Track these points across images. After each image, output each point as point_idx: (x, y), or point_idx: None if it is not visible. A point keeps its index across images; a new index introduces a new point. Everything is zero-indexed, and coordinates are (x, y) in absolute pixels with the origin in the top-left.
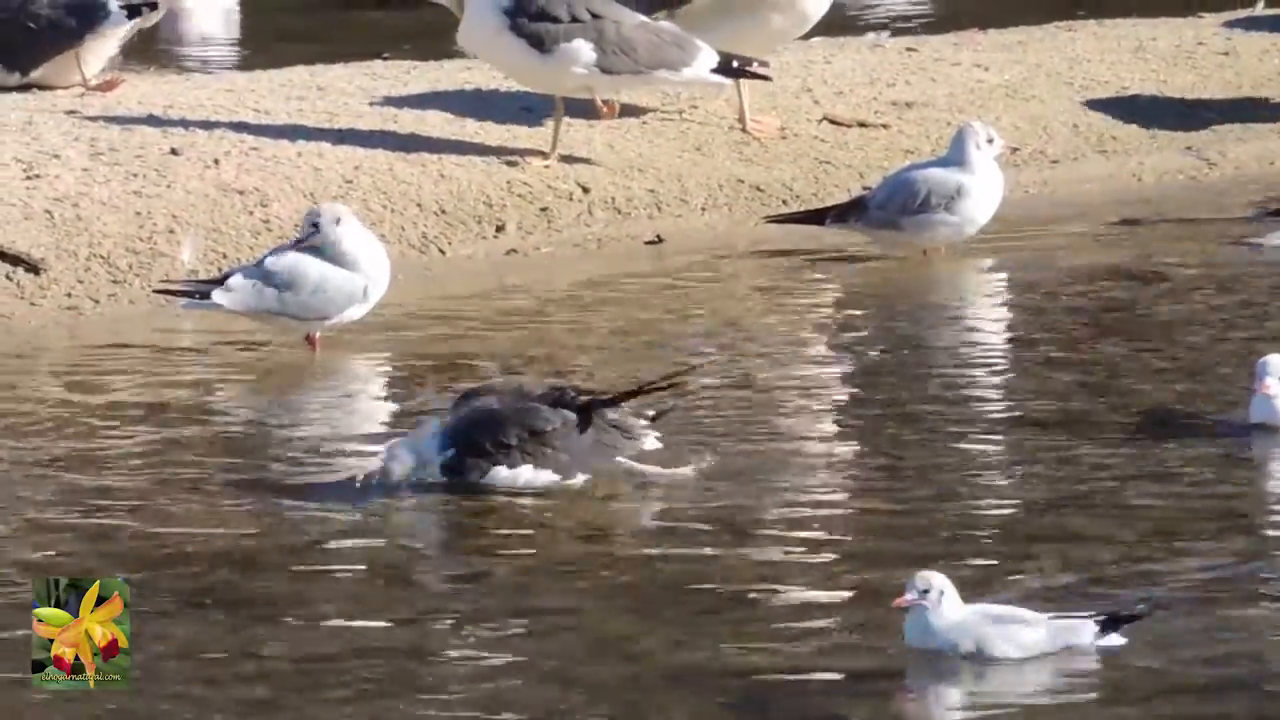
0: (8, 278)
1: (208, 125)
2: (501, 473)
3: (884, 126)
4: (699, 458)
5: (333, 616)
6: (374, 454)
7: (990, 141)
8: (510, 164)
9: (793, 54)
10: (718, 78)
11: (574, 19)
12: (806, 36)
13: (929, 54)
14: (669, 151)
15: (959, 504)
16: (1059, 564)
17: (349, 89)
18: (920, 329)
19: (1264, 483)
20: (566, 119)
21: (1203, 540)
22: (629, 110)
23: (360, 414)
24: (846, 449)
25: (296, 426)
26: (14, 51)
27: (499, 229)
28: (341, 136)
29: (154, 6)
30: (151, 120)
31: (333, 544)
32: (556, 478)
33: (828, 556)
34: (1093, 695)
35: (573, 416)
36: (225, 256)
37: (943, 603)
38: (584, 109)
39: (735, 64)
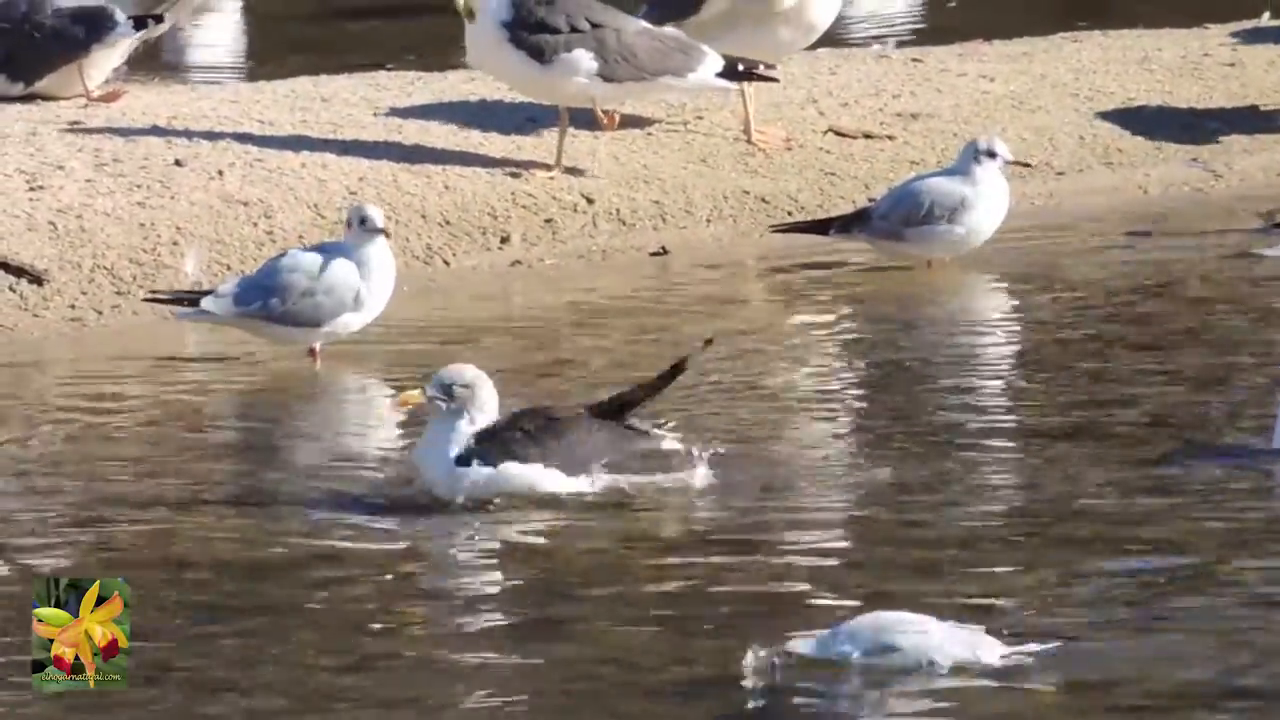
0: (11, 289)
1: (211, 136)
2: (512, 467)
3: (889, 138)
4: (705, 468)
5: (337, 627)
6: (374, 465)
7: (992, 155)
8: (515, 175)
9: (798, 65)
10: (723, 82)
11: (573, 29)
12: (812, 47)
13: (934, 65)
14: (674, 163)
15: (965, 515)
16: (1064, 576)
17: (353, 100)
18: (926, 340)
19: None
20: (571, 130)
21: (1210, 554)
22: (633, 121)
23: (362, 425)
24: (853, 460)
25: (299, 438)
26: (19, 62)
27: (503, 240)
28: (346, 148)
29: (160, 20)
30: (155, 131)
31: (338, 555)
32: (566, 477)
33: (835, 567)
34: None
35: (586, 415)
36: (229, 268)
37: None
38: (589, 120)
39: (741, 68)
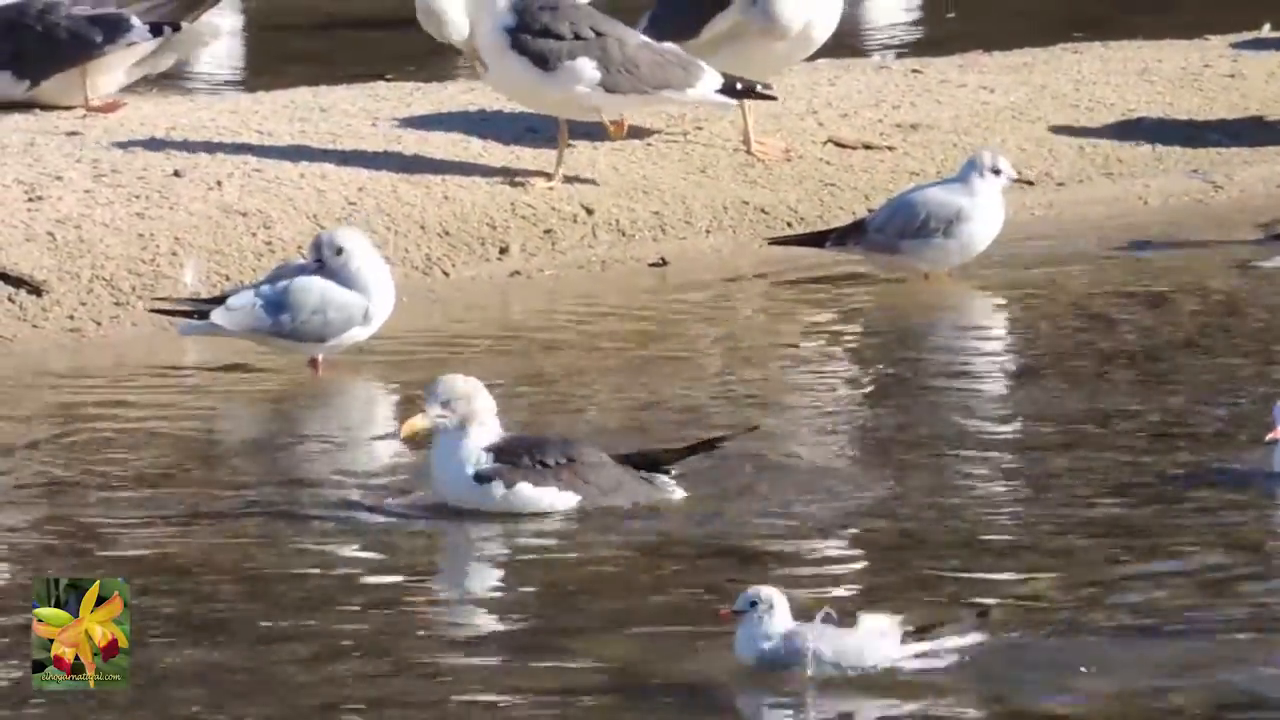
0: (10, 300)
1: (210, 147)
2: (526, 490)
3: (889, 149)
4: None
5: (339, 639)
6: (375, 475)
7: (996, 172)
8: (514, 185)
9: (798, 76)
10: (722, 99)
11: (577, 36)
12: (812, 58)
13: (934, 76)
14: (673, 173)
15: (963, 526)
16: (1063, 587)
17: (352, 110)
18: (926, 350)
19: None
20: (570, 141)
21: (1208, 565)
22: (633, 132)
23: (363, 437)
24: (852, 470)
25: (299, 449)
26: (27, 60)
27: (503, 251)
28: (345, 158)
29: (177, 28)
30: (154, 142)
31: (338, 568)
32: (578, 498)
33: (835, 577)
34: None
35: (608, 459)
36: (228, 278)
37: (773, 616)
38: (588, 131)
39: (739, 86)
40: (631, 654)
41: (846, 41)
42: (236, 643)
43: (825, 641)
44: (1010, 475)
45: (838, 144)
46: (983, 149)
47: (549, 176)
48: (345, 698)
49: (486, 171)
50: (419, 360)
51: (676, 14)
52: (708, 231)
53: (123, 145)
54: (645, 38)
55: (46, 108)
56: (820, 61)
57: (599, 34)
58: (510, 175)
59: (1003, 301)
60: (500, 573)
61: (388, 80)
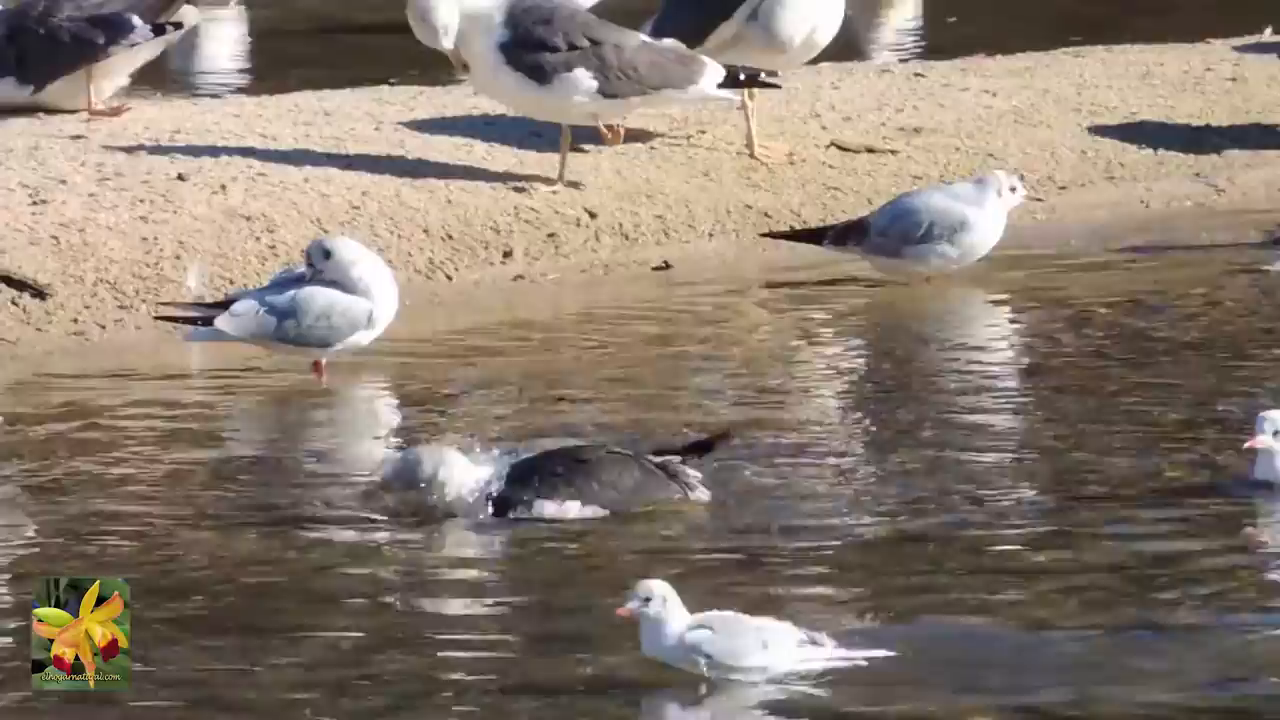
0: (14, 303)
1: (215, 151)
2: (548, 506)
3: (892, 152)
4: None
5: (342, 643)
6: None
7: (1013, 190)
8: (517, 189)
9: (801, 79)
10: (725, 93)
11: (572, 46)
12: (814, 62)
13: (937, 79)
14: (676, 177)
15: (965, 530)
16: (1063, 591)
17: (356, 114)
18: (927, 353)
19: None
20: (574, 145)
21: (1206, 569)
22: (636, 136)
23: (366, 440)
24: (855, 474)
25: (303, 453)
26: (31, 64)
27: (506, 255)
28: (349, 162)
29: (179, 26)
30: (158, 145)
31: (341, 570)
32: (604, 512)
33: (838, 578)
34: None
35: (621, 457)
36: (232, 282)
37: (667, 611)
38: (591, 135)
39: (743, 75)
40: (632, 654)
41: (849, 45)
42: (237, 644)
43: (715, 644)
44: (1011, 475)
45: (840, 147)
46: (1000, 171)
47: (552, 180)
48: (345, 698)
49: (490, 176)
50: (421, 363)
51: (679, 22)
52: (711, 235)
53: (127, 149)
54: (644, 38)
55: (51, 112)
56: (823, 65)
57: (595, 42)
58: (514, 179)
59: (1005, 305)
60: (501, 573)
61: (392, 84)
